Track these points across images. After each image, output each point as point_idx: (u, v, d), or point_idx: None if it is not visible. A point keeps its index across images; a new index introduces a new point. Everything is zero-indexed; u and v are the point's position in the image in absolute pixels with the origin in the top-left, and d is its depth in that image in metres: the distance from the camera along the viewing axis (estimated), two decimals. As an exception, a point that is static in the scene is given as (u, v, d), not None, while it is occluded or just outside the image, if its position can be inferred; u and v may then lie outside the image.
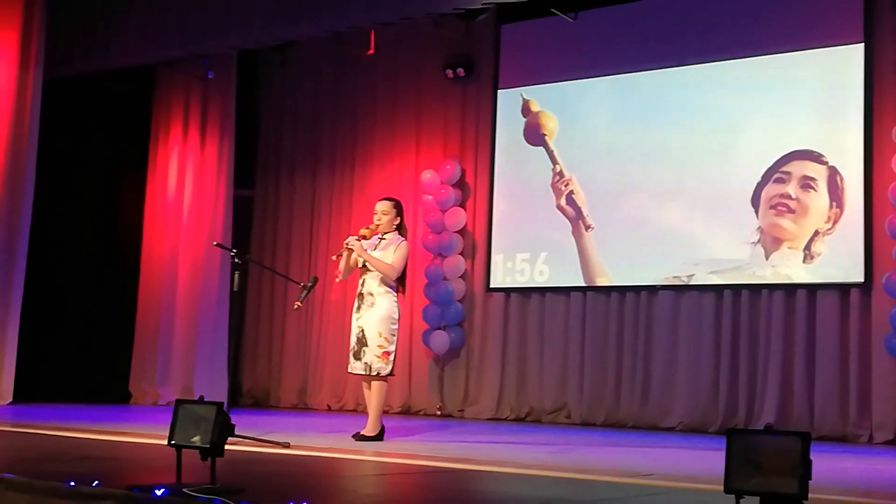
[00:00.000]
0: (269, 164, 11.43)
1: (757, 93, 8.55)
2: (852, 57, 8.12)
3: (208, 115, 10.72)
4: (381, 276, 6.44)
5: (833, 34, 8.20)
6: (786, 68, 8.43)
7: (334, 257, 6.60)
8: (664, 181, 8.88)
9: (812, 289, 8.15)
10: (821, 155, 8.20)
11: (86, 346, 10.81)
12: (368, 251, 6.49)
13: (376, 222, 6.58)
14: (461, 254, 9.86)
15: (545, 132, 9.62)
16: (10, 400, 9.16)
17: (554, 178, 9.46)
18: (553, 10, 9.22)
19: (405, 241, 6.58)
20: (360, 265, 6.51)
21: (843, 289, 8.02)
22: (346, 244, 6.45)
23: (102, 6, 9.80)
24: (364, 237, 6.51)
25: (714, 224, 8.59)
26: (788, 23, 8.42)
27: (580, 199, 9.29)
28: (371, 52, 10.15)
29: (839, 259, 8.03)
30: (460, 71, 9.96)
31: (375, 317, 6.41)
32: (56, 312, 10.60)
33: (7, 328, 9.26)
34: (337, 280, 6.74)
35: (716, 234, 8.58)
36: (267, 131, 11.52)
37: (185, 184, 10.61)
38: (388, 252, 6.49)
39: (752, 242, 8.39)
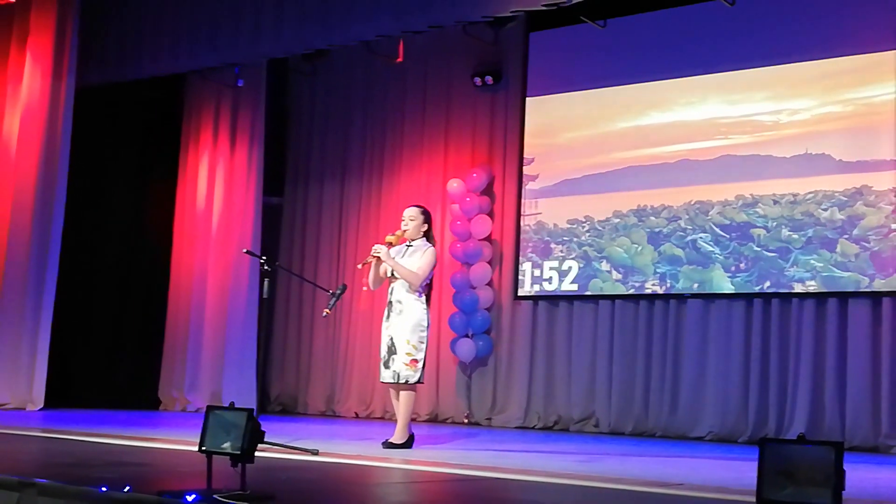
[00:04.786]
0: (298, 171, 11.47)
1: (789, 100, 8.50)
2: (884, 64, 8.06)
3: (238, 123, 10.78)
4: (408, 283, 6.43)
5: (865, 41, 8.14)
6: (818, 75, 8.38)
7: (360, 266, 6.55)
8: (695, 188, 8.84)
9: (843, 297, 8.08)
10: (853, 162, 8.13)
11: (115, 352, 10.88)
12: (396, 258, 6.46)
13: (403, 228, 6.54)
14: (488, 262, 9.85)
15: (573, 140, 9.61)
16: (42, 405, 9.25)
17: (580, 185, 9.46)
18: (582, 17, 9.21)
19: (433, 248, 6.53)
20: (388, 275, 6.50)
21: (874, 297, 7.94)
22: (373, 252, 6.43)
23: (134, 15, 9.91)
24: (390, 244, 6.47)
25: (747, 231, 8.54)
26: (821, 30, 8.37)
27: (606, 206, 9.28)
28: (400, 60, 10.15)
29: (870, 267, 7.95)
30: (489, 79, 9.97)
31: (404, 324, 6.39)
32: (86, 318, 10.67)
33: (39, 334, 9.35)
34: (364, 289, 6.69)
35: (748, 240, 8.52)
36: (296, 139, 11.57)
37: (215, 191, 10.67)
38: (415, 258, 6.45)
39: (784, 249, 8.33)
